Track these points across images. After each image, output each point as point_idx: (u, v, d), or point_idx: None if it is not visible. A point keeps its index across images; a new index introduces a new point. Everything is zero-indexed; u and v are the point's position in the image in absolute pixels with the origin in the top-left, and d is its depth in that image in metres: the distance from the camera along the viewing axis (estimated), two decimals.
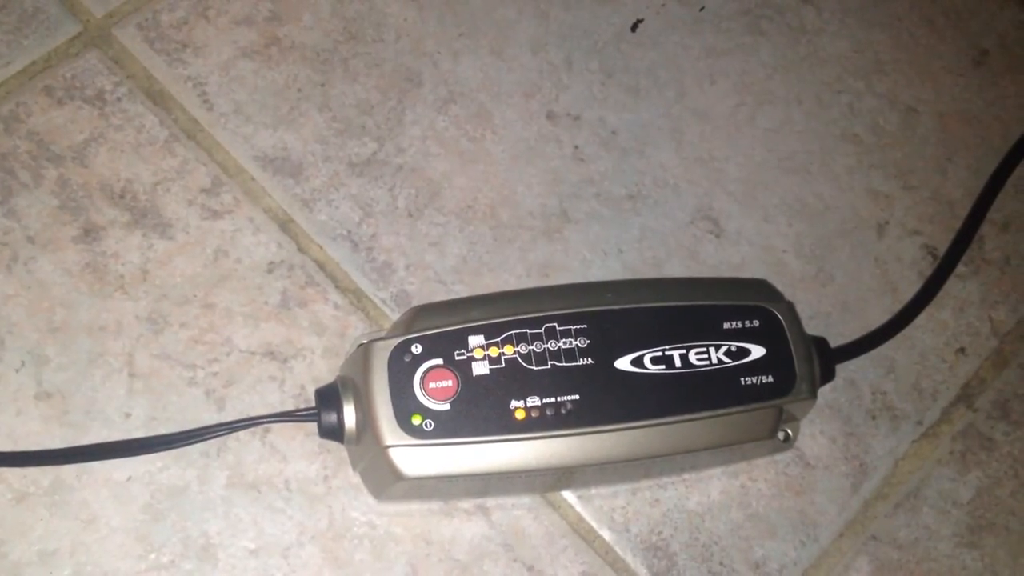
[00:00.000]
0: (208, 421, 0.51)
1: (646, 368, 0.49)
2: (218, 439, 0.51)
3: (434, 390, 0.47)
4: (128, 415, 0.51)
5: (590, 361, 0.49)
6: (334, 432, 0.49)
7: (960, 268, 0.59)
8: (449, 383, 0.47)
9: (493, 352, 0.48)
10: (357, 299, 0.55)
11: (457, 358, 0.48)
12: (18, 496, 0.49)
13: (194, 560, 0.49)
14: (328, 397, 0.49)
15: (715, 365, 0.49)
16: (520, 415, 0.47)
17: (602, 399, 0.48)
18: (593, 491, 0.53)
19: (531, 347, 0.48)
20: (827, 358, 0.53)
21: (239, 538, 0.50)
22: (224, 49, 0.59)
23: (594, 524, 0.53)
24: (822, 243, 0.60)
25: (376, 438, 0.47)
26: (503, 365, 0.48)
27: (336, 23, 0.61)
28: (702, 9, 0.65)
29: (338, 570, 0.50)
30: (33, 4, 0.58)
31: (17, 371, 0.51)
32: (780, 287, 0.53)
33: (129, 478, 0.50)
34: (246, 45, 0.59)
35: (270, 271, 0.55)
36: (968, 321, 0.59)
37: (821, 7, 0.66)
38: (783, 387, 0.50)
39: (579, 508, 0.53)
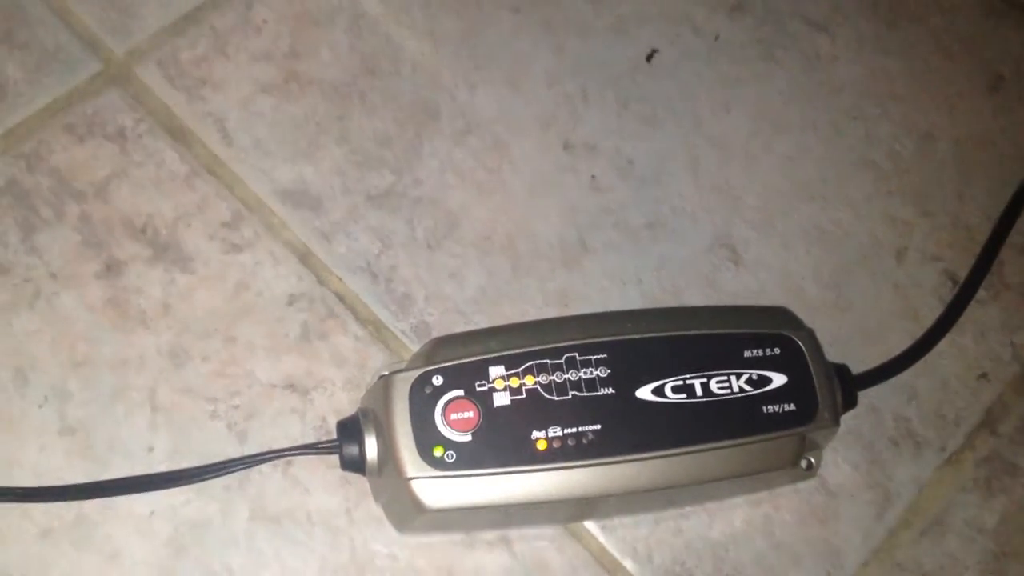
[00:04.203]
0: (230, 454, 0.51)
1: (667, 397, 0.49)
2: (240, 472, 0.51)
3: (456, 421, 0.47)
4: (151, 449, 0.51)
5: (611, 391, 0.48)
6: (356, 464, 0.49)
7: (980, 293, 0.59)
8: (470, 414, 0.47)
9: (514, 383, 0.48)
10: (377, 331, 0.55)
11: (478, 389, 0.48)
12: (42, 531, 0.49)
13: None
14: (350, 429, 0.49)
15: (736, 394, 0.49)
16: (542, 446, 0.47)
17: (624, 429, 0.48)
18: (616, 521, 0.53)
19: (552, 377, 0.48)
20: (849, 385, 0.53)
21: (262, 571, 0.50)
22: (243, 85, 0.60)
23: (617, 555, 0.52)
24: (841, 270, 0.60)
25: (398, 470, 0.47)
26: (524, 396, 0.48)
27: (354, 57, 0.61)
28: (717, 38, 0.65)
29: None
30: (54, 43, 0.59)
31: (40, 407, 0.51)
32: (800, 314, 0.53)
33: (152, 512, 0.50)
34: (265, 81, 0.60)
35: (290, 304, 0.55)
36: (989, 346, 0.59)
37: (835, 35, 0.66)
38: (805, 415, 0.50)
39: (602, 539, 0.53)
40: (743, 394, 0.49)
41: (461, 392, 0.48)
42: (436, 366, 0.48)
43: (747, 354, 0.50)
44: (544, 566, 0.51)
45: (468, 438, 0.47)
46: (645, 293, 0.58)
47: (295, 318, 0.55)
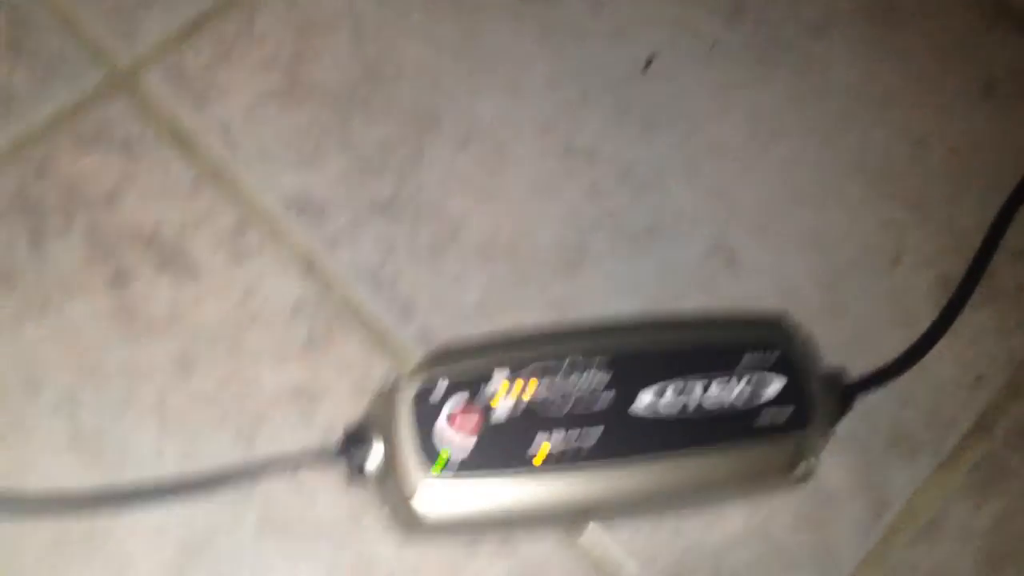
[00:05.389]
0: (238, 461, 0.52)
1: (667, 402, 0.50)
2: (247, 480, 0.51)
3: (459, 428, 0.48)
4: (160, 456, 0.52)
5: (611, 396, 0.49)
6: (361, 471, 0.50)
7: (974, 298, 0.60)
8: (474, 421, 0.48)
9: (517, 389, 0.49)
10: (382, 338, 0.56)
11: (481, 396, 0.49)
12: (52, 542, 0.50)
13: None
14: (355, 436, 0.50)
15: (734, 399, 0.50)
16: (544, 451, 0.48)
17: (624, 434, 0.49)
18: (616, 525, 0.54)
19: (554, 383, 0.49)
20: (845, 390, 0.54)
21: None
22: (247, 92, 0.60)
23: (618, 557, 0.53)
24: (837, 274, 0.60)
25: (402, 477, 0.47)
26: (526, 402, 0.49)
27: (356, 64, 0.62)
28: (714, 44, 0.66)
29: None
30: (60, 52, 0.59)
31: (52, 415, 0.52)
32: (796, 319, 0.53)
33: (161, 521, 0.51)
34: (269, 87, 0.60)
35: (296, 311, 0.56)
36: (984, 350, 0.60)
37: (831, 40, 0.67)
38: (802, 419, 0.51)
39: (602, 542, 0.53)
40: (740, 399, 0.50)
41: (464, 399, 0.49)
42: (440, 373, 0.49)
43: (744, 359, 0.51)
44: (546, 569, 0.52)
45: (471, 444, 0.48)
46: (644, 298, 0.59)
47: (301, 325, 0.55)
